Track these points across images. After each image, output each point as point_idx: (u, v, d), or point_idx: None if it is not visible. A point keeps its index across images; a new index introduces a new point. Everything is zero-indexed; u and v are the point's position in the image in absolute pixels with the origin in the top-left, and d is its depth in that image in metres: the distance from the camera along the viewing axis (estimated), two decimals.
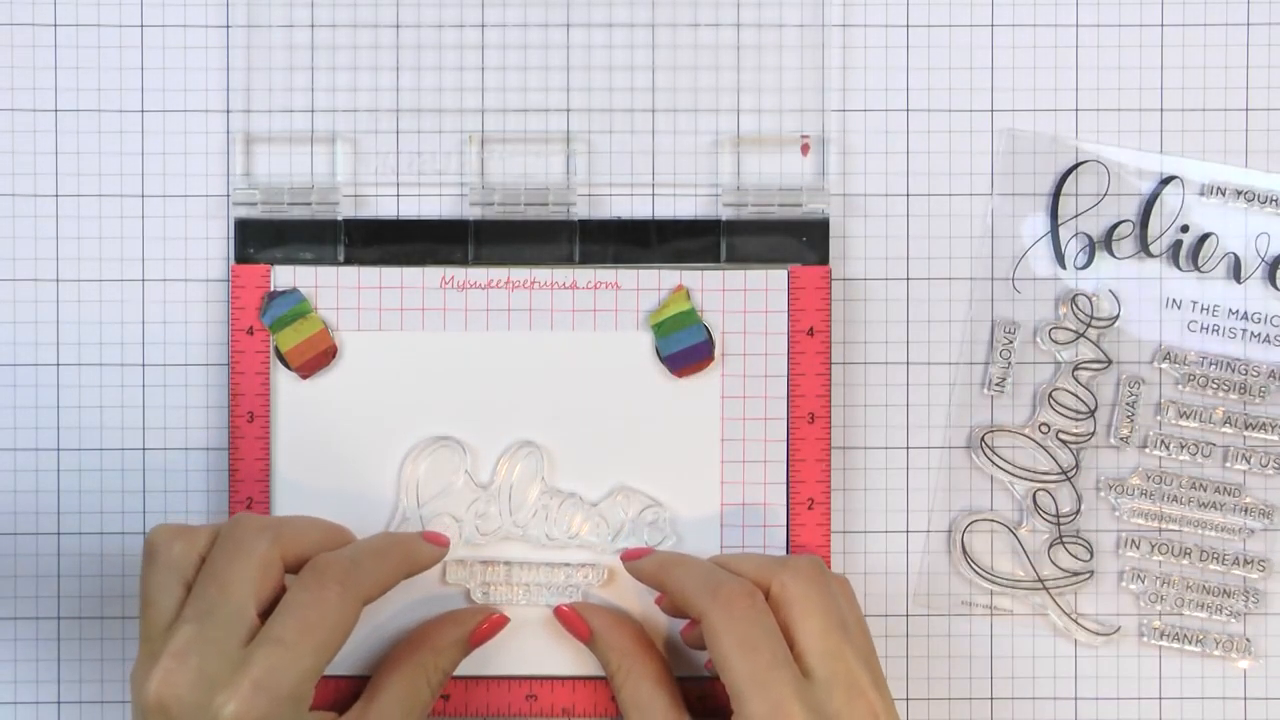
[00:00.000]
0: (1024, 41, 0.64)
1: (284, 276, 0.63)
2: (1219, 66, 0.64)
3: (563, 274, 0.63)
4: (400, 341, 0.63)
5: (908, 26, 0.65)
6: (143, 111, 0.64)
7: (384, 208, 0.64)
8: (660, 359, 0.63)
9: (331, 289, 0.63)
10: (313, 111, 0.64)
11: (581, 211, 0.64)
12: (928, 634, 0.64)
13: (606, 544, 0.63)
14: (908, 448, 0.64)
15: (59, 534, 0.64)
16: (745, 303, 0.63)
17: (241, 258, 0.63)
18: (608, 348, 0.63)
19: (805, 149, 0.64)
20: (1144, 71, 0.64)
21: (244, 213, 0.63)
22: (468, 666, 0.62)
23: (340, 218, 0.63)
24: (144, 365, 0.64)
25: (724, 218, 0.64)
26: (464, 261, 0.63)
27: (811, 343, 0.63)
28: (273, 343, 0.63)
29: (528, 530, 0.63)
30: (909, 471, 0.64)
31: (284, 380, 0.63)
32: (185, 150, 0.64)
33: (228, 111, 0.64)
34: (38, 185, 0.64)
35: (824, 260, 0.63)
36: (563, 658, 0.63)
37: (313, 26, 0.64)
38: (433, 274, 0.63)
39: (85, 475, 0.64)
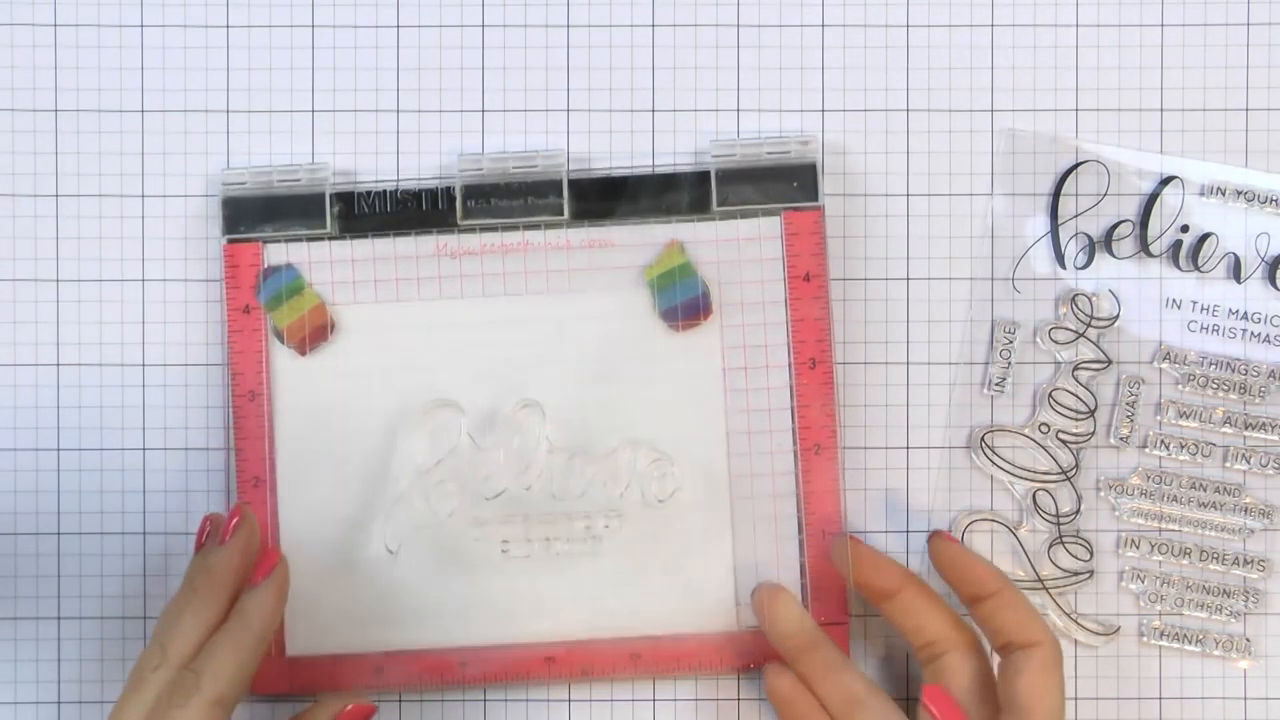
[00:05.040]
0: (1024, 41, 0.64)
1: (276, 253, 0.63)
2: (1219, 66, 0.64)
3: (555, 235, 0.63)
4: (396, 312, 0.63)
5: (908, 26, 0.65)
6: (143, 111, 0.64)
7: (370, 180, 0.64)
8: (659, 314, 0.63)
9: (325, 263, 0.63)
10: (313, 112, 0.64)
11: (569, 164, 0.64)
12: None
13: (615, 499, 0.63)
14: (908, 448, 0.64)
15: (59, 534, 0.64)
16: (740, 252, 0.63)
17: (232, 235, 0.63)
18: (605, 306, 0.63)
19: None
20: (1144, 71, 0.64)
21: (232, 191, 0.63)
22: (486, 636, 0.62)
23: (330, 190, 0.63)
24: (144, 365, 0.64)
25: (714, 167, 0.64)
26: (454, 224, 0.63)
27: (809, 288, 0.63)
28: (269, 320, 0.63)
29: (534, 490, 0.63)
30: (909, 471, 0.64)
31: (282, 357, 0.63)
32: (185, 150, 0.64)
33: (228, 112, 0.64)
34: (38, 185, 0.64)
35: (815, 201, 0.63)
36: (578, 619, 0.63)
37: (313, 27, 0.64)
38: (426, 242, 0.63)
39: (85, 475, 0.64)
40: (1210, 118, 0.64)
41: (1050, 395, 0.64)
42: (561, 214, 0.63)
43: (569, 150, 0.64)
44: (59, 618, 0.64)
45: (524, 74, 0.64)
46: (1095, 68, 0.64)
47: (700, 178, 0.64)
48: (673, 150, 0.64)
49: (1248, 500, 0.64)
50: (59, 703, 0.64)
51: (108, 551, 0.64)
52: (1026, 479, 0.64)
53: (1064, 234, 0.64)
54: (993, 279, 0.64)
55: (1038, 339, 0.64)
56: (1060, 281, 0.64)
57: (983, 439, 0.64)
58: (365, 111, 0.64)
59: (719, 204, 0.63)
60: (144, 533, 0.64)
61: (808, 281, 0.63)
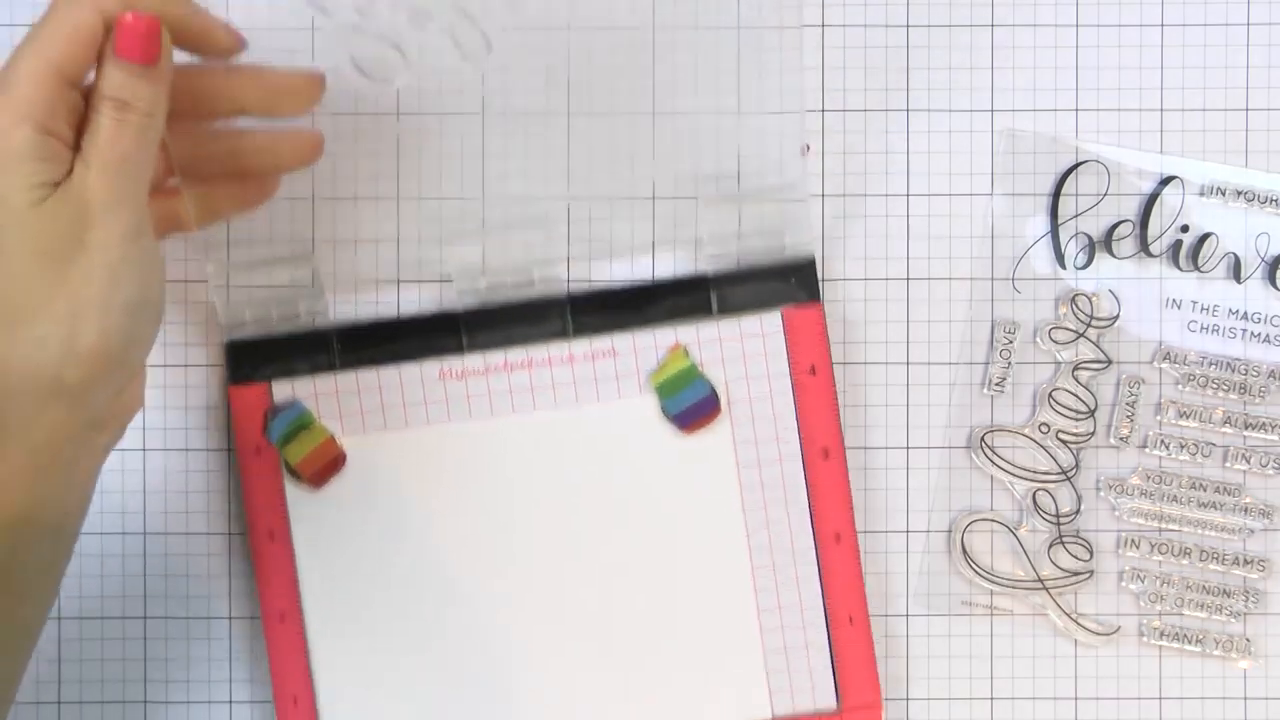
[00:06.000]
0: (1024, 41, 0.64)
1: (283, 391, 0.63)
2: (1219, 66, 0.64)
3: (558, 348, 0.63)
4: (406, 438, 0.63)
5: (908, 26, 0.65)
6: None
7: (370, 309, 0.64)
8: (668, 419, 0.63)
9: (331, 395, 0.62)
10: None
11: (569, 276, 0.63)
12: (928, 634, 0.64)
13: (639, 605, 0.63)
14: (908, 448, 0.64)
15: None
16: (744, 348, 0.63)
17: (237, 379, 0.63)
18: (614, 416, 0.63)
19: (807, 149, 0.64)
20: (1144, 71, 0.64)
21: (236, 334, 0.62)
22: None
23: (332, 325, 0.63)
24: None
25: (710, 271, 0.63)
26: (458, 350, 0.63)
27: (815, 381, 0.63)
28: (282, 457, 0.62)
29: (562, 601, 0.63)
30: (909, 471, 0.64)
31: (297, 493, 0.62)
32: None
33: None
34: None
35: (815, 297, 0.63)
36: None
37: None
38: (430, 368, 0.63)
39: None
40: (1210, 118, 0.64)
41: (1050, 395, 0.64)
42: (565, 333, 0.63)
43: (569, 251, 0.63)
44: (59, 618, 0.64)
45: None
46: (1095, 68, 0.64)
47: (699, 282, 0.63)
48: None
49: (1248, 500, 0.64)
50: (59, 703, 0.64)
51: (108, 551, 0.64)
52: (1026, 479, 0.64)
53: (1064, 234, 0.64)
54: (993, 279, 0.64)
55: (1038, 339, 0.64)
56: (1060, 281, 0.64)
57: (983, 439, 0.64)
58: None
59: (719, 309, 0.63)
60: (144, 533, 0.64)
61: (813, 375, 0.63)
